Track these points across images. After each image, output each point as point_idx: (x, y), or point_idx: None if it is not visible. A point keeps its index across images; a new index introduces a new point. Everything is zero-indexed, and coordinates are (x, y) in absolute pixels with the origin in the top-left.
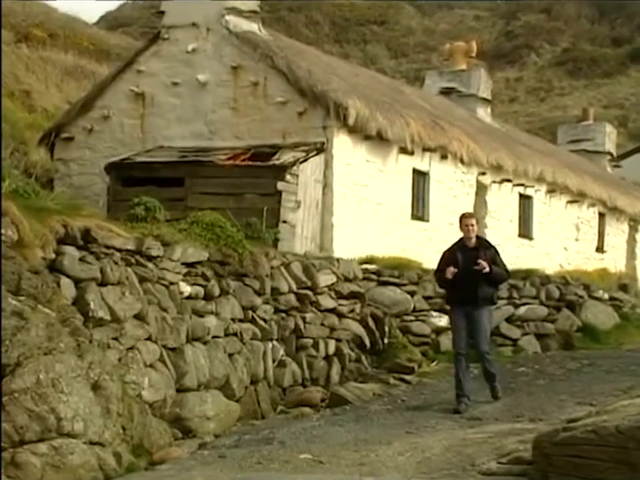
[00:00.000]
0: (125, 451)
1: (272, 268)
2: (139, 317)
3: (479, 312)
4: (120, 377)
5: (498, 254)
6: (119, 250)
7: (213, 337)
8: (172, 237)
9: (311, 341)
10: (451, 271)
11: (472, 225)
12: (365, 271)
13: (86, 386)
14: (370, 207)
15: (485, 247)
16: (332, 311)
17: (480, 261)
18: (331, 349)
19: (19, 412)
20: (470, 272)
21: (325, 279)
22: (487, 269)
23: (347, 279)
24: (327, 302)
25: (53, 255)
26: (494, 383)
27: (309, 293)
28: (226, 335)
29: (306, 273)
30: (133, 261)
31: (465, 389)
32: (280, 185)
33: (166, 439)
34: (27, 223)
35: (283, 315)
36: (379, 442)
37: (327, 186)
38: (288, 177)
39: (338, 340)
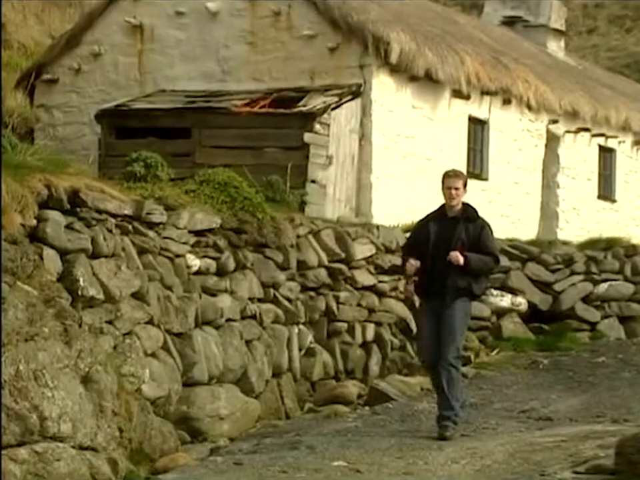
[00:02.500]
0: (121, 458)
1: (298, 237)
2: (138, 296)
3: (450, 308)
4: (115, 368)
5: (487, 229)
6: (114, 215)
7: (227, 320)
8: (177, 200)
9: (345, 325)
10: (411, 265)
11: (456, 189)
12: None
13: (75, 379)
14: (417, 163)
15: (468, 219)
16: (371, 288)
17: (453, 253)
18: (370, 335)
19: None
20: (442, 252)
21: (362, 249)
22: (460, 261)
23: (388, 250)
24: (364, 278)
25: (34, 222)
26: (449, 413)
27: (343, 267)
28: (243, 317)
29: (339, 243)
30: (130, 228)
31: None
32: (307, 137)
33: (171, 442)
34: (3, 182)
35: (312, 293)
36: (428, 447)
37: (364, 137)
38: (317, 126)
39: (378, 324)
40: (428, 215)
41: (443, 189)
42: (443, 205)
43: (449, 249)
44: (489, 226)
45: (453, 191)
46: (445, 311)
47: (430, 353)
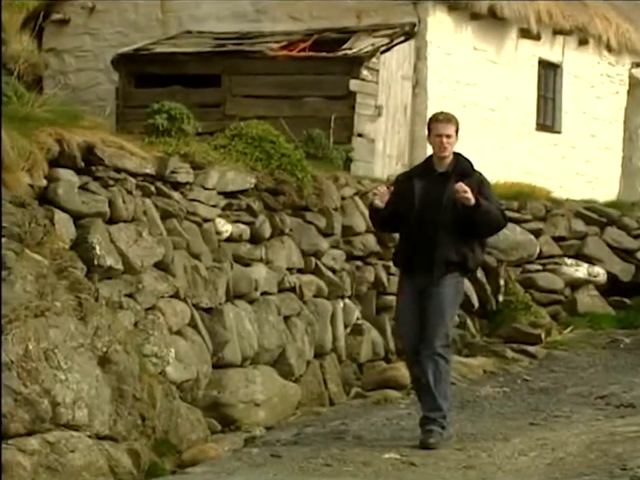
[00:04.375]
0: (144, 449)
1: (343, 199)
2: (162, 266)
3: (439, 285)
4: (136, 347)
5: (486, 186)
6: (134, 175)
7: (263, 294)
8: (205, 157)
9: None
10: (379, 192)
11: (448, 136)
12: None
13: (91, 360)
14: (479, 114)
15: (462, 174)
16: None
17: (460, 184)
18: None
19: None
20: (430, 214)
21: None
22: (472, 199)
23: None
24: None
25: (44, 182)
26: (435, 414)
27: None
28: (280, 290)
29: None
30: (152, 189)
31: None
32: (353, 84)
33: (200, 432)
34: (8, 137)
35: (359, 263)
36: (492, 437)
37: (418, 85)
38: (364, 72)
39: None
40: (411, 170)
41: (429, 137)
42: (430, 158)
43: (437, 212)
44: (487, 182)
45: (444, 139)
46: (432, 289)
47: (409, 339)
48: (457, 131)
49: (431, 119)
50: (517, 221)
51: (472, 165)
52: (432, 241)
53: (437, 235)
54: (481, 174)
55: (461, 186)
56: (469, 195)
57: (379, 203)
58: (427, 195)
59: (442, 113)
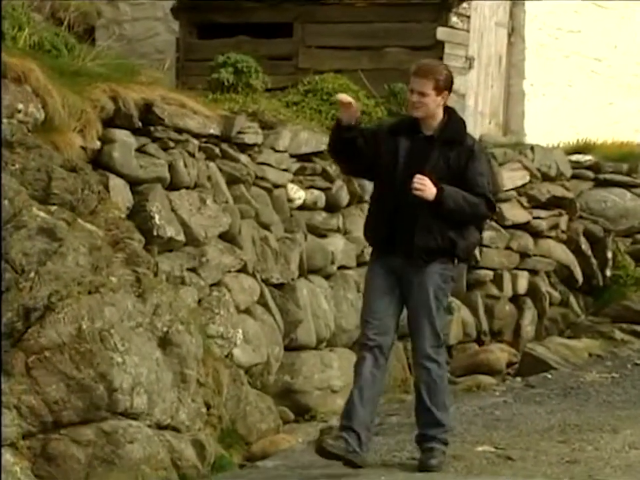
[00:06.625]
0: (209, 440)
1: None
2: (228, 238)
3: (422, 274)
4: (200, 327)
5: (479, 157)
6: (196, 135)
7: (340, 268)
8: (276, 115)
9: (490, 273)
10: (348, 104)
11: (420, 94)
12: (576, 164)
13: (150, 341)
14: (583, 64)
15: (450, 141)
16: (523, 226)
17: (418, 177)
18: (522, 286)
19: (52, 380)
20: (411, 188)
21: (511, 177)
22: (428, 193)
23: (546, 178)
24: (515, 213)
25: (98, 144)
26: (435, 431)
27: None
28: (359, 264)
29: None
30: (217, 152)
31: (355, 416)
32: (441, 33)
33: (270, 421)
34: (58, 94)
35: None
36: (599, 428)
37: (514, 32)
38: (454, 19)
39: (533, 272)
40: (396, 124)
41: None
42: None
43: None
44: (484, 152)
45: (415, 97)
46: (413, 279)
47: (370, 329)
48: (437, 88)
49: (413, 71)
50: (627, 186)
51: (464, 130)
52: (412, 222)
53: (418, 216)
54: (475, 141)
55: (419, 178)
56: (426, 189)
57: (348, 118)
58: (411, 161)
59: (423, 62)
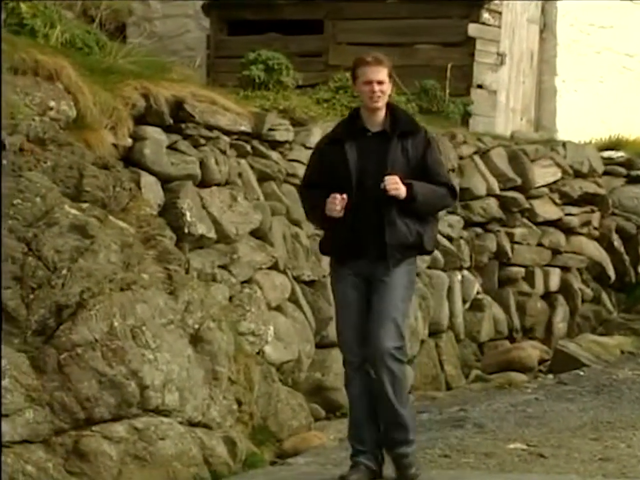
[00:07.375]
0: (241, 437)
1: (460, 158)
2: (259, 235)
3: (388, 275)
4: (231, 324)
5: (434, 146)
6: (227, 133)
7: None
8: (307, 112)
9: (522, 270)
10: (337, 200)
11: (379, 83)
12: (608, 161)
13: (182, 338)
14: (615, 60)
15: (405, 133)
16: (555, 223)
17: (389, 178)
18: (554, 283)
19: (84, 377)
20: (371, 189)
21: (543, 173)
22: (401, 192)
23: (578, 174)
24: (547, 210)
25: (129, 141)
26: (403, 435)
27: (519, 196)
28: None
29: (514, 166)
30: (248, 149)
31: (364, 436)
32: (473, 29)
33: (302, 418)
34: (89, 91)
35: (479, 230)
36: (631, 426)
37: (546, 28)
38: (485, 15)
39: (565, 269)
40: (333, 132)
41: (357, 85)
42: (357, 113)
43: (380, 182)
44: (435, 142)
45: (376, 87)
46: (379, 280)
47: (352, 348)
48: (391, 77)
49: (355, 62)
50: None
51: (414, 120)
52: (379, 221)
53: (386, 213)
54: (426, 131)
55: (391, 179)
56: (400, 189)
57: (339, 210)
58: (364, 163)
59: (369, 54)
